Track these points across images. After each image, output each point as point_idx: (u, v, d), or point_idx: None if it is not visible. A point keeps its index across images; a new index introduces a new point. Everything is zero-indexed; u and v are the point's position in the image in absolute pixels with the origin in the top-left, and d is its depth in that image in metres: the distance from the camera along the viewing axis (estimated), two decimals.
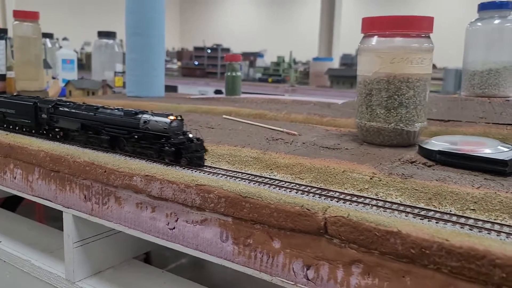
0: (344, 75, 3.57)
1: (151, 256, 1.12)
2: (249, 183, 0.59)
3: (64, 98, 1.91)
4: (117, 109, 0.79)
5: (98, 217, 0.72)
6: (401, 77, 0.79)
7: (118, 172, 0.67)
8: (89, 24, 10.27)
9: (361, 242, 0.46)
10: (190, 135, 0.69)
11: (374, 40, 0.81)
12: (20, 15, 1.70)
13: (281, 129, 0.97)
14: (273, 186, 0.59)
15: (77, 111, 0.83)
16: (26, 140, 0.84)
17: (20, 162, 0.84)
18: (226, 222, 0.57)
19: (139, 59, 1.65)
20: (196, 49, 4.97)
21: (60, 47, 2.74)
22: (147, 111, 0.74)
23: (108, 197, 0.71)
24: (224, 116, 1.21)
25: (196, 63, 4.96)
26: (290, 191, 0.55)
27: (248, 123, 1.09)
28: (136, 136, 0.72)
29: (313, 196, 0.55)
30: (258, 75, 4.36)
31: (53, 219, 1.20)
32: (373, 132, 0.83)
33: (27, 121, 0.91)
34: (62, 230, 0.79)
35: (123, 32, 1.72)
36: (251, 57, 4.54)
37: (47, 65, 2.24)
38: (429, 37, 0.80)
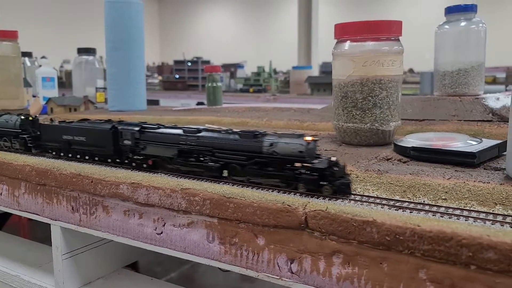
0: (324, 82, 3.63)
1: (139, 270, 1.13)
2: (232, 185, 0.61)
3: (47, 116, 1.91)
4: (227, 131, 0.67)
5: (87, 227, 0.74)
6: (373, 79, 0.82)
7: (104, 181, 0.69)
8: (67, 42, 10.21)
9: (340, 233, 0.49)
10: (333, 158, 0.58)
11: (347, 45, 0.85)
12: None
13: None
14: (255, 187, 0.61)
15: (173, 135, 0.70)
16: (11, 156, 0.85)
17: (6, 178, 0.84)
18: (212, 223, 0.59)
19: (119, 73, 1.67)
20: (176, 62, 5.00)
21: (40, 65, 2.73)
22: (265, 132, 0.63)
23: (95, 207, 0.72)
24: (206, 125, 1.23)
25: (177, 76, 4.98)
26: (272, 191, 0.58)
27: None
28: (256, 162, 0.61)
29: (294, 194, 0.58)
30: (239, 85, 4.40)
31: (39, 238, 1.20)
32: (350, 132, 0.87)
33: (101, 148, 0.78)
34: (50, 245, 0.80)
35: (103, 48, 1.73)
36: (231, 69, 4.59)
37: (27, 84, 2.23)
38: (398, 40, 0.84)
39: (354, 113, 0.85)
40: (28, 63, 2.61)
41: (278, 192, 0.58)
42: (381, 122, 0.84)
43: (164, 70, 5.84)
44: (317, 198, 0.54)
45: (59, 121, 0.88)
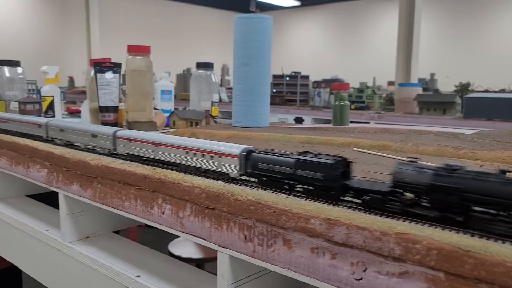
0: (436, 101, 3.40)
1: None
2: (471, 235, 0.51)
3: (168, 129, 1.96)
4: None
5: (262, 260, 0.68)
6: None
7: (291, 213, 0.63)
8: (164, 54, 10.81)
9: None
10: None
11: None
12: (133, 49, 1.78)
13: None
14: (485, 237, 0.51)
15: None
16: (178, 175, 0.83)
17: (170, 197, 0.82)
18: (436, 277, 0.50)
19: (247, 89, 1.65)
20: (275, 77, 5.00)
21: (160, 78, 2.84)
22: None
23: (274, 239, 0.66)
24: (354, 148, 1.15)
25: (275, 91, 4.98)
26: None
27: (388, 157, 1.02)
28: None
29: None
30: None
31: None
32: None
33: None
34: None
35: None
36: (331, 84, 4.47)
37: None
38: None
39: None
40: None
41: None
42: None
43: None
44: None
45: None
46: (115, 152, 1.05)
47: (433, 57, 9.61)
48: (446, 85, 6.08)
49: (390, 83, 7.45)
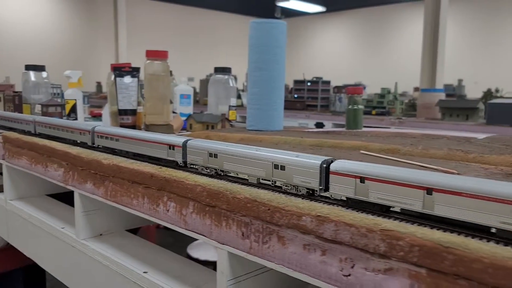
0: (459, 107, 3.34)
1: None
2: (444, 231, 0.53)
3: (185, 132, 2.00)
4: None
5: (258, 256, 0.70)
6: None
7: (284, 210, 0.65)
8: (189, 60, 10.97)
9: None
10: None
11: None
12: (151, 54, 1.83)
13: (435, 167, 0.89)
14: (469, 235, 0.52)
15: None
16: (182, 174, 0.86)
17: (174, 195, 0.85)
18: (419, 273, 0.51)
19: (261, 93, 1.68)
20: (296, 82, 5.02)
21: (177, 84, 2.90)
22: None
23: (269, 236, 0.68)
24: (361, 151, 1.15)
25: (296, 96, 5.00)
26: (497, 243, 0.48)
27: (395, 160, 1.02)
28: None
29: None
30: None
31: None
32: None
33: None
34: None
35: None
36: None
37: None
38: None
39: None
40: None
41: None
42: None
43: None
44: None
45: None
46: (325, 195, 0.68)
47: (463, 63, 9.43)
48: (475, 92, 5.97)
49: (416, 89, 7.36)
